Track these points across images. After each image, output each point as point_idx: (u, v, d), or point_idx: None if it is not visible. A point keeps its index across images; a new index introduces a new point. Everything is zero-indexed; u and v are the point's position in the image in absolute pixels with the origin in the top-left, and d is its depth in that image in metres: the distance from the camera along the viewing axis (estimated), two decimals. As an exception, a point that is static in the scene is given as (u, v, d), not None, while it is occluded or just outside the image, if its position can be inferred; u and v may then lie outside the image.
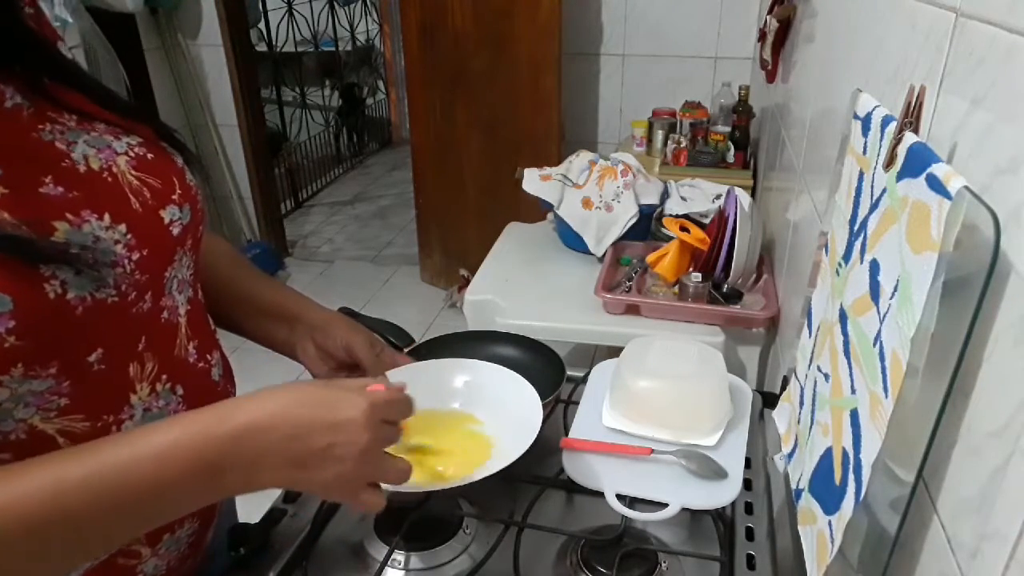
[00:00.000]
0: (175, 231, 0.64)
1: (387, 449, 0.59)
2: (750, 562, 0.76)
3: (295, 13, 4.55)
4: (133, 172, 0.61)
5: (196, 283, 0.71)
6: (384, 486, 0.60)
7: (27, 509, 0.47)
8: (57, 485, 0.48)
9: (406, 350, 1.00)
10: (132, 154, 0.62)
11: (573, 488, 0.85)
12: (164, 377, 0.64)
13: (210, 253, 0.79)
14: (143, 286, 0.60)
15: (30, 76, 0.57)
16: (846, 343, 0.66)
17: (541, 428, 0.96)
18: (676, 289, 1.57)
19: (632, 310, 1.56)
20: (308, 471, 0.55)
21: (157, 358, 0.63)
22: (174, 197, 0.64)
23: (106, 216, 0.57)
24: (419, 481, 0.70)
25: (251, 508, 0.87)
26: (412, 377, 0.83)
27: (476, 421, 0.81)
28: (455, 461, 0.74)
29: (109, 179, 0.59)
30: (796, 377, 0.88)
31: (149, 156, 0.63)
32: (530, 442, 0.72)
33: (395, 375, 0.82)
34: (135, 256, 0.59)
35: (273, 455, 0.53)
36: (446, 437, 0.78)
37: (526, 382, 0.82)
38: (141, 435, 0.52)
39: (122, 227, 0.58)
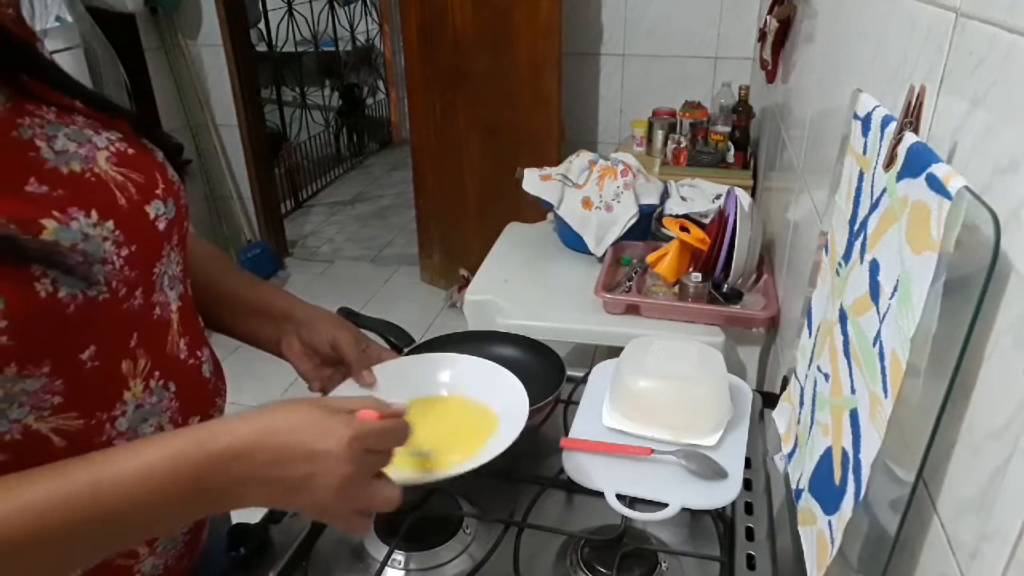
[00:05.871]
0: (161, 226, 0.64)
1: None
2: (750, 562, 0.76)
3: (295, 13, 4.55)
4: (115, 168, 0.61)
5: (186, 279, 0.71)
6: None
7: (11, 528, 0.48)
8: (42, 504, 0.49)
9: (406, 350, 1.00)
10: (113, 149, 0.62)
11: (573, 488, 0.85)
12: (157, 373, 0.64)
13: (195, 254, 0.79)
14: (133, 282, 0.60)
15: (8, 74, 0.57)
16: (846, 343, 0.66)
17: (541, 428, 0.97)
18: (676, 289, 1.57)
19: (632, 310, 1.56)
20: (289, 496, 0.55)
21: (150, 354, 0.63)
22: (158, 192, 0.64)
23: (93, 213, 0.57)
24: (414, 474, 0.70)
25: (251, 508, 0.87)
26: (398, 371, 0.83)
27: (469, 403, 0.81)
28: (453, 448, 0.74)
29: (92, 178, 0.59)
30: (796, 377, 0.88)
31: (130, 151, 0.63)
32: (517, 433, 0.72)
33: (380, 370, 0.83)
34: (124, 252, 0.59)
35: (254, 478, 0.53)
36: (441, 423, 0.78)
37: (510, 373, 0.82)
38: (126, 453, 0.53)
39: (110, 223, 0.58)
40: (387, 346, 1.04)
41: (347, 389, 0.81)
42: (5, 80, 0.57)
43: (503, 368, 0.83)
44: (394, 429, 0.59)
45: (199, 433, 0.54)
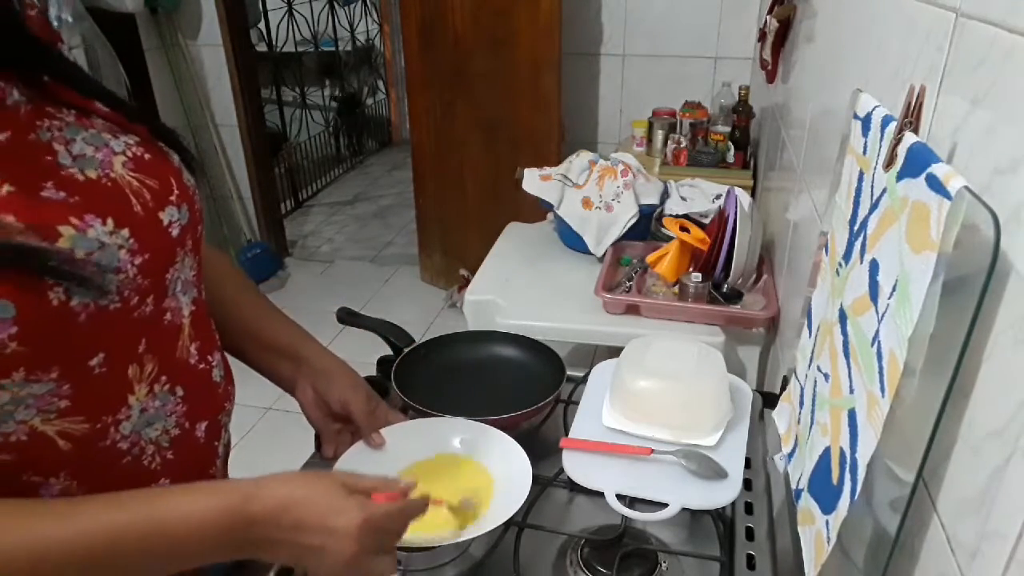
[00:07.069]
0: (174, 232, 0.63)
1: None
2: (750, 562, 0.76)
3: (295, 13, 4.54)
4: (131, 174, 0.61)
5: (200, 283, 0.71)
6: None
7: (63, 553, 0.52)
8: (94, 534, 0.53)
9: (406, 350, 1.00)
10: (129, 154, 0.62)
11: (573, 488, 0.85)
12: (164, 378, 0.64)
13: (215, 273, 0.79)
14: (145, 290, 0.60)
15: (30, 75, 0.57)
16: (846, 343, 0.66)
17: (540, 428, 0.97)
18: (676, 289, 1.57)
19: (632, 310, 1.56)
20: (304, 560, 0.61)
21: (157, 359, 0.63)
22: (172, 198, 0.64)
23: (109, 221, 0.57)
24: (424, 535, 0.71)
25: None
26: (404, 434, 0.84)
27: (475, 464, 0.82)
28: (456, 510, 0.75)
29: (108, 184, 0.59)
30: (796, 377, 0.88)
31: (146, 156, 0.63)
32: (515, 510, 0.73)
33: (388, 432, 0.84)
34: (137, 260, 0.59)
35: (279, 540, 0.59)
36: (448, 484, 0.79)
37: (519, 447, 0.82)
38: (181, 497, 0.58)
39: (125, 232, 0.58)
40: (390, 348, 1.04)
41: (356, 452, 0.82)
42: (27, 81, 0.57)
43: (513, 441, 0.83)
44: (402, 512, 0.64)
45: (246, 490, 0.58)
